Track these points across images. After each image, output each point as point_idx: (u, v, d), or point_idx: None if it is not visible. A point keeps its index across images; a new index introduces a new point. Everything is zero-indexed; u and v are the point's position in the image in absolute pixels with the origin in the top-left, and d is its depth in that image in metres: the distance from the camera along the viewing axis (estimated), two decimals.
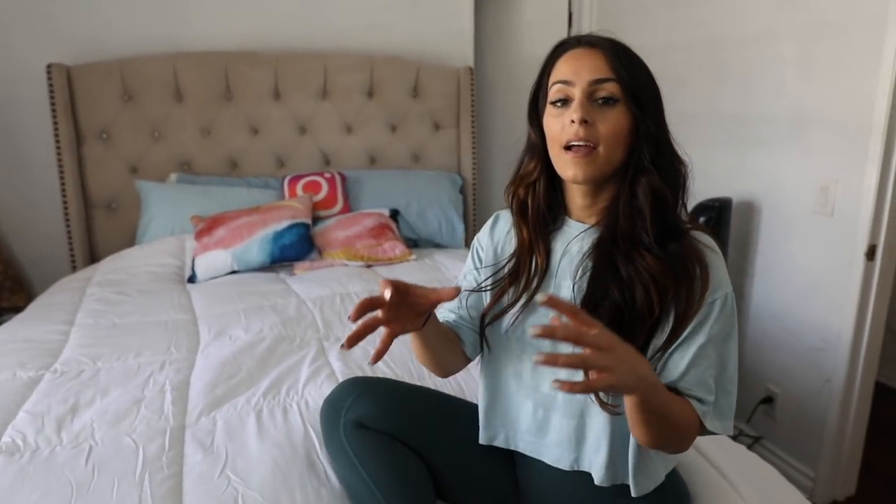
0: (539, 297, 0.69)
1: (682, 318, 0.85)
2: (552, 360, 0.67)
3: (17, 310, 2.06)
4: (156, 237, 2.30)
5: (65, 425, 1.17)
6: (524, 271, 0.98)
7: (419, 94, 2.82)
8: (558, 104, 0.90)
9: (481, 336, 1.02)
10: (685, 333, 0.86)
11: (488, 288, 1.02)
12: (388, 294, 0.80)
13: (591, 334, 0.69)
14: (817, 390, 1.99)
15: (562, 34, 3.07)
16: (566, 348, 0.92)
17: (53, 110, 2.27)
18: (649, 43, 2.31)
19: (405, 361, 1.45)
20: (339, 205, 2.49)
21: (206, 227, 2.19)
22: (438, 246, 2.62)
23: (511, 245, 1.02)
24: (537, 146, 0.97)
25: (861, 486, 2.00)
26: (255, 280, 2.06)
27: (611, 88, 0.87)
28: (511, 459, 1.08)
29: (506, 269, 1.01)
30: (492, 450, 1.06)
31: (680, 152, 0.94)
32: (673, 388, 0.86)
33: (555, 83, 0.91)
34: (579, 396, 0.93)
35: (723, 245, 2.13)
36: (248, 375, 1.37)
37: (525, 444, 1.02)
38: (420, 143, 2.87)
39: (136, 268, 2.10)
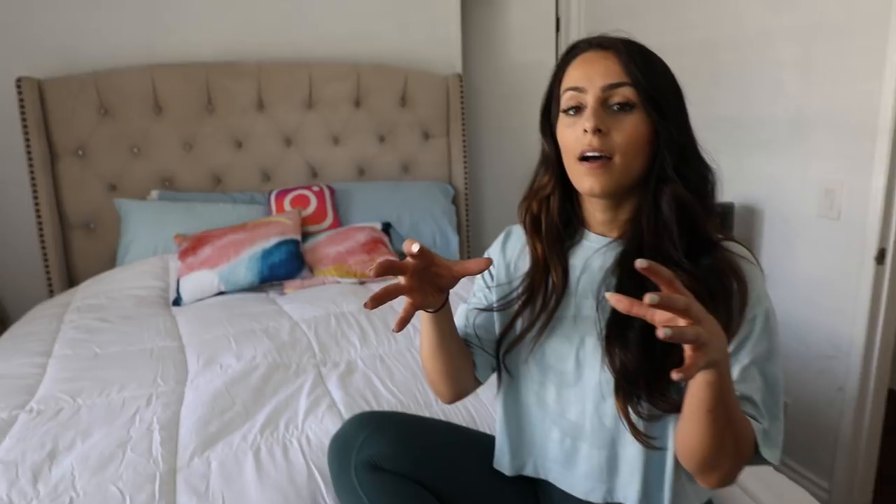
0: (639, 263, 0.61)
1: None
2: (635, 309, 0.62)
3: None
4: (137, 258, 2.20)
5: (42, 475, 1.06)
6: (540, 290, 0.91)
7: (407, 102, 2.74)
8: (571, 112, 0.84)
9: (499, 363, 0.95)
10: None
11: (501, 308, 0.94)
12: (415, 248, 0.73)
13: (695, 308, 0.62)
14: (829, 399, 1.93)
15: (549, 40, 3.06)
16: (592, 366, 0.85)
17: (25, 126, 2.16)
18: None
19: (410, 389, 1.37)
20: (329, 219, 2.40)
21: (191, 246, 2.09)
22: None
23: (525, 263, 0.95)
24: (551, 158, 0.91)
25: (877, 495, 1.95)
26: (244, 301, 1.96)
27: (626, 93, 0.81)
28: (532, 489, 1.01)
29: (520, 290, 0.93)
30: (512, 480, 0.99)
31: (707, 158, 0.88)
32: None
33: (566, 90, 0.85)
34: (608, 426, 0.86)
35: None
36: (242, 409, 1.27)
37: (555, 474, 0.94)
38: (410, 154, 2.79)
39: (117, 291, 1.99)
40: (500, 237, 1.02)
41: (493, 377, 1.00)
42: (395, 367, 1.50)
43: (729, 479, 0.79)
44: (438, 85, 2.77)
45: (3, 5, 2.20)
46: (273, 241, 2.11)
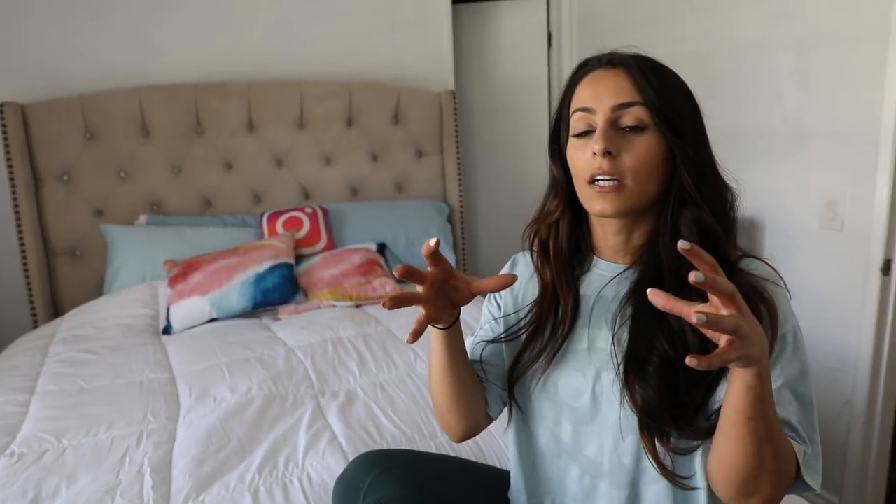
0: (681, 245, 0.59)
1: None
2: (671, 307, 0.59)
3: None
4: (125, 285, 2.13)
5: None
6: (549, 319, 0.87)
7: (400, 120, 2.71)
8: (581, 135, 0.80)
9: (510, 397, 0.90)
10: None
11: (509, 338, 0.90)
12: (433, 241, 0.71)
13: (738, 296, 0.59)
14: (837, 413, 1.90)
15: (542, 55, 3.04)
16: (610, 403, 0.80)
17: (7, 152, 2.10)
18: None
19: (413, 419, 1.31)
20: (323, 241, 2.35)
21: (181, 272, 2.03)
22: None
23: (533, 292, 0.91)
24: (560, 182, 0.87)
25: None
26: (236, 328, 1.90)
27: (637, 113, 0.77)
28: None
29: (527, 318, 0.89)
30: None
31: (726, 177, 0.84)
32: None
33: (575, 111, 0.81)
34: (627, 466, 0.81)
35: None
36: (238, 446, 1.21)
37: None
38: (403, 172, 2.75)
39: (104, 321, 1.92)
40: (507, 266, 0.98)
41: (504, 412, 0.95)
42: (396, 396, 1.44)
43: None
44: (431, 102, 2.74)
45: None
46: (266, 265, 2.06)
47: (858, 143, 1.74)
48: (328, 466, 1.13)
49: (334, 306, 2.07)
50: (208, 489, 1.08)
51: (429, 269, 0.74)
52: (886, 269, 1.73)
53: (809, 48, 1.84)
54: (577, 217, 0.88)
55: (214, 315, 1.96)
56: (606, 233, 0.85)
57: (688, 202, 0.79)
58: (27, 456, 1.21)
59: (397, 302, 0.71)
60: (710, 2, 2.17)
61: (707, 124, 0.86)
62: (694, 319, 0.55)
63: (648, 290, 0.60)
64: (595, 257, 0.88)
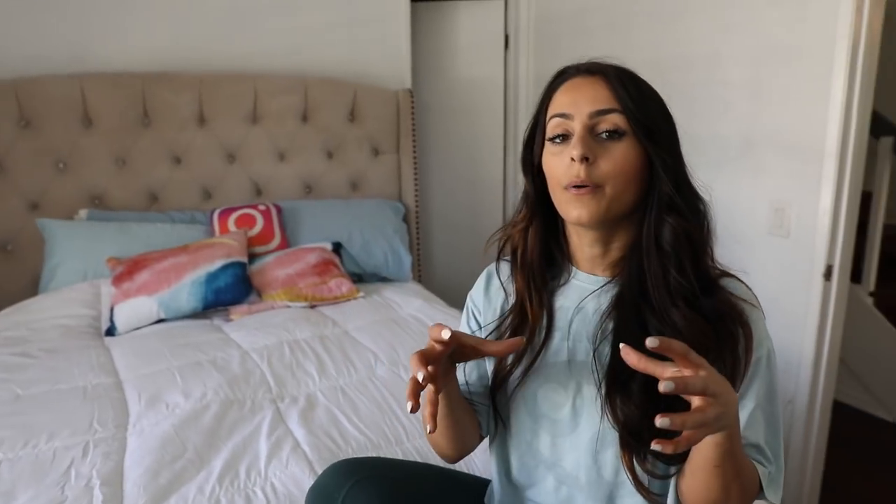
0: (649, 342, 0.59)
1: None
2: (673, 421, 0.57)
3: None
4: (64, 284, 2.00)
5: None
6: (526, 327, 0.86)
7: (356, 117, 2.66)
8: (557, 140, 0.80)
9: (494, 409, 0.89)
10: None
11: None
12: (445, 334, 0.69)
13: (713, 386, 0.60)
14: None
15: (498, 57, 3.06)
16: (590, 416, 0.80)
17: None
18: None
19: (378, 424, 1.29)
20: (277, 240, 2.28)
21: (127, 270, 1.92)
22: (385, 280, 2.45)
23: (511, 303, 0.90)
24: (530, 195, 0.86)
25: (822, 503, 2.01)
26: (186, 329, 1.81)
27: (615, 120, 0.77)
28: None
29: (507, 323, 0.88)
30: None
31: (698, 188, 0.85)
32: None
33: (552, 117, 0.81)
34: (605, 479, 0.81)
35: None
36: (196, 455, 1.15)
37: None
38: (358, 170, 2.70)
39: (40, 321, 1.80)
40: (482, 281, 0.96)
41: None
42: (358, 400, 1.41)
43: None
44: (388, 100, 2.70)
45: None
46: (218, 263, 1.98)
47: (804, 154, 1.81)
48: (293, 475, 1.09)
49: (289, 307, 2.02)
50: (165, 502, 1.02)
51: (437, 348, 0.72)
52: (828, 274, 1.82)
53: (759, 61, 1.90)
54: (553, 227, 0.87)
55: (162, 315, 1.87)
56: (583, 243, 0.84)
57: (669, 211, 0.79)
58: None
59: (417, 396, 0.70)
60: (665, 12, 2.22)
61: None
62: (662, 388, 0.57)
63: (621, 345, 0.61)
64: (573, 268, 0.87)
